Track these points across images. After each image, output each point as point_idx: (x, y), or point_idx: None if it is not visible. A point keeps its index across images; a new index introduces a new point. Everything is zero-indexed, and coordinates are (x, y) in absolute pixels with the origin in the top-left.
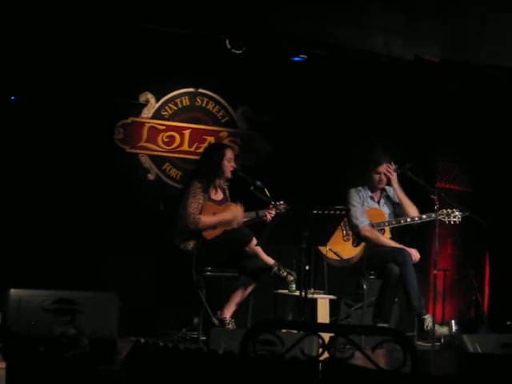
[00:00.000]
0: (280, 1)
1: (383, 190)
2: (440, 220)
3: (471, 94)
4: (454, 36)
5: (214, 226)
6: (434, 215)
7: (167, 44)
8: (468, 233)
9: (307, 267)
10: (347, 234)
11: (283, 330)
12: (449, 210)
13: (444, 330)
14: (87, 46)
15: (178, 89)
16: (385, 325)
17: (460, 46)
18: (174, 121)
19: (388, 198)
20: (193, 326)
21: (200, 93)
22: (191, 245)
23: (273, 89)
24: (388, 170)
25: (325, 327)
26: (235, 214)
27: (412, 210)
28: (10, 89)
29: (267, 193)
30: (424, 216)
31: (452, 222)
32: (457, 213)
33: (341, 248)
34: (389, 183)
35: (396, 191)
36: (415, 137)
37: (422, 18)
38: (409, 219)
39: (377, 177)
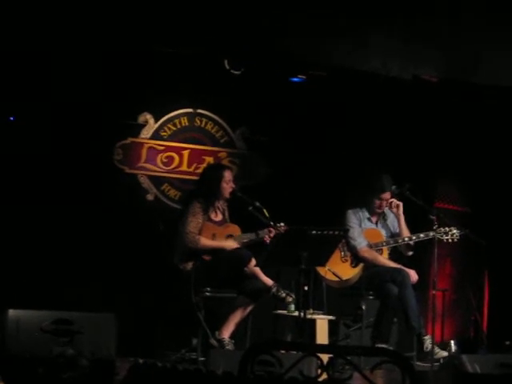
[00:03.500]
0: (280, 22)
1: (382, 212)
2: (438, 239)
3: (469, 113)
4: (451, 57)
5: (211, 250)
6: (431, 233)
7: (166, 65)
8: (467, 253)
9: (306, 288)
10: (345, 255)
11: (282, 351)
12: (447, 228)
13: (443, 353)
14: (86, 67)
15: (176, 109)
16: (384, 345)
17: (457, 67)
18: (172, 141)
19: (385, 222)
20: (191, 346)
21: (199, 113)
22: (190, 265)
23: (272, 109)
24: (394, 202)
25: (323, 348)
26: (233, 242)
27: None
28: (8, 109)
29: (266, 213)
30: (422, 235)
31: (450, 240)
32: (455, 231)
33: (339, 269)
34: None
35: (400, 221)
36: (414, 157)
37: (420, 41)
38: (407, 238)
39: (378, 203)
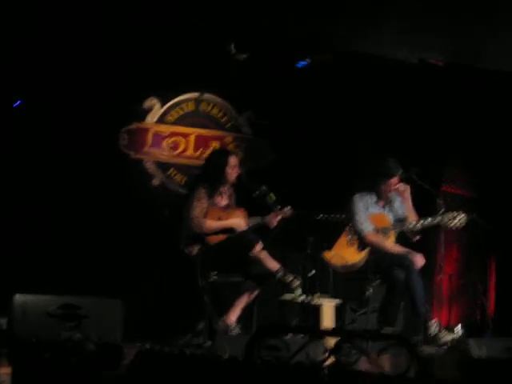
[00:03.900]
0: (286, 6)
1: (389, 196)
2: (445, 224)
3: (475, 97)
4: (457, 42)
5: (218, 232)
6: (438, 218)
7: (171, 49)
8: (473, 237)
9: (312, 272)
10: (352, 240)
11: (288, 335)
12: (454, 212)
13: (450, 336)
14: (92, 51)
15: (182, 94)
16: (390, 330)
17: (463, 51)
18: (178, 126)
19: (392, 206)
20: (198, 331)
21: (205, 98)
22: (196, 250)
23: (277, 94)
24: (403, 187)
25: (330, 332)
26: (239, 220)
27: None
28: (14, 94)
29: (272, 197)
30: (429, 219)
31: (457, 225)
32: (462, 215)
33: (346, 253)
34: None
35: (407, 205)
36: (421, 141)
37: (426, 25)
38: (413, 223)
39: (385, 187)
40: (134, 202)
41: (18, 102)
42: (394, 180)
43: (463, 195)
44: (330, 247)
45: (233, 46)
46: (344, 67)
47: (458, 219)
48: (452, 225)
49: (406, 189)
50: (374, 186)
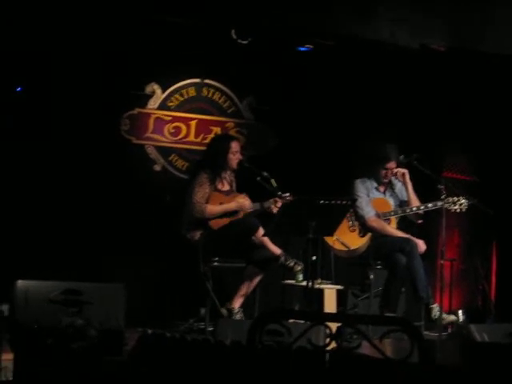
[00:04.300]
0: None
1: (389, 181)
2: (446, 209)
3: (477, 82)
4: (458, 25)
5: (220, 216)
6: (440, 203)
7: (173, 35)
8: (475, 222)
9: (314, 257)
10: (353, 225)
11: (290, 320)
12: (455, 197)
13: (452, 318)
14: (93, 37)
15: (184, 79)
16: (392, 315)
17: (465, 36)
18: (180, 111)
19: (394, 191)
20: (200, 316)
21: (206, 83)
22: (198, 235)
23: (279, 79)
24: (399, 171)
25: (332, 317)
26: (241, 204)
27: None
28: (15, 80)
29: (274, 183)
30: (430, 204)
31: (458, 210)
32: (463, 200)
33: (347, 238)
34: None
35: (408, 189)
36: (422, 126)
37: (428, 10)
38: (414, 208)
39: (384, 172)
40: (135, 188)
41: (19, 89)
42: (392, 164)
43: (464, 180)
44: (331, 233)
45: (234, 31)
46: (345, 53)
47: (459, 204)
48: (453, 209)
49: (404, 173)
50: (374, 171)
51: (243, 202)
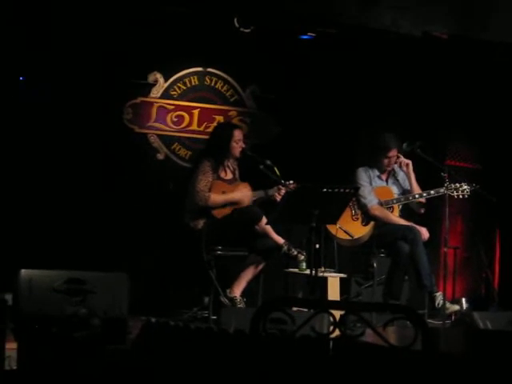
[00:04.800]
0: None
1: (392, 170)
2: (449, 196)
3: (479, 70)
4: (461, 13)
5: (223, 205)
6: (442, 190)
7: (175, 24)
8: (478, 210)
9: (317, 246)
10: (356, 214)
11: (294, 309)
12: (457, 184)
13: (455, 307)
14: (96, 26)
15: (186, 68)
16: (395, 303)
17: (467, 23)
18: (182, 100)
19: (396, 179)
20: (203, 305)
21: (209, 72)
22: (201, 223)
23: (281, 67)
24: (403, 161)
25: (336, 304)
26: (244, 193)
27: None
28: (18, 69)
29: (277, 172)
30: (432, 191)
31: (461, 197)
32: (465, 187)
33: (350, 227)
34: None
35: (411, 180)
36: (425, 114)
37: None
38: (417, 195)
39: (386, 161)
40: (138, 177)
41: (21, 78)
42: (393, 152)
43: (467, 168)
44: (334, 221)
45: (236, 20)
46: (347, 41)
47: (461, 190)
48: (455, 195)
49: (408, 164)
50: (375, 160)
51: (246, 191)
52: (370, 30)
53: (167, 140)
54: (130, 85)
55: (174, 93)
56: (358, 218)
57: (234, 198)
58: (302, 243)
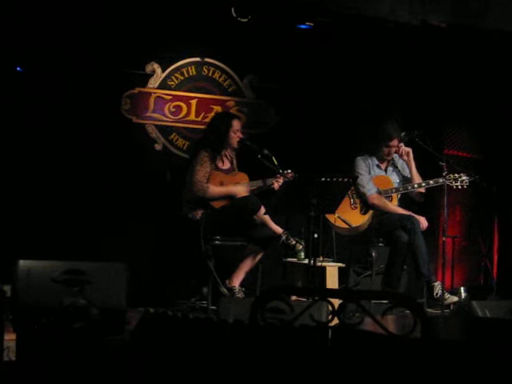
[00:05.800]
0: None
1: (391, 159)
2: (448, 186)
3: (478, 59)
4: (460, 3)
5: (221, 197)
6: (441, 180)
7: (173, 13)
8: (476, 199)
9: (316, 235)
10: (355, 202)
11: (293, 298)
12: (456, 174)
13: (454, 298)
14: (92, 16)
15: (184, 58)
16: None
17: (466, 12)
18: (180, 90)
19: (395, 168)
20: (202, 295)
21: (206, 62)
22: (199, 214)
23: (279, 57)
24: (403, 149)
25: (334, 293)
26: (243, 187)
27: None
28: (15, 60)
29: (275, 161)
30: (431, 181)
31: (460, 187)
32: (464, 177)
33: (349, 216)
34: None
35: (411, 168)
36: (423, 104)
37: None
38: (416, 185)
39: (386, 150)
40: (136, 167)
41: (19, 69)
42: (394, 142)
43: (466, 157)
44: (333, 210)
45: (233, 9)
46: (345, 30)
47: (460, 181)
48: (454, 186)
49: (408, 152)
50: (376, 149)
51: (243, 185)
52: (369, 18)
53: (165, 130)
54: (127, 75)
55: (172, 83)
56: (356, 207)
57: (232, 191)
58: (301, 232)
